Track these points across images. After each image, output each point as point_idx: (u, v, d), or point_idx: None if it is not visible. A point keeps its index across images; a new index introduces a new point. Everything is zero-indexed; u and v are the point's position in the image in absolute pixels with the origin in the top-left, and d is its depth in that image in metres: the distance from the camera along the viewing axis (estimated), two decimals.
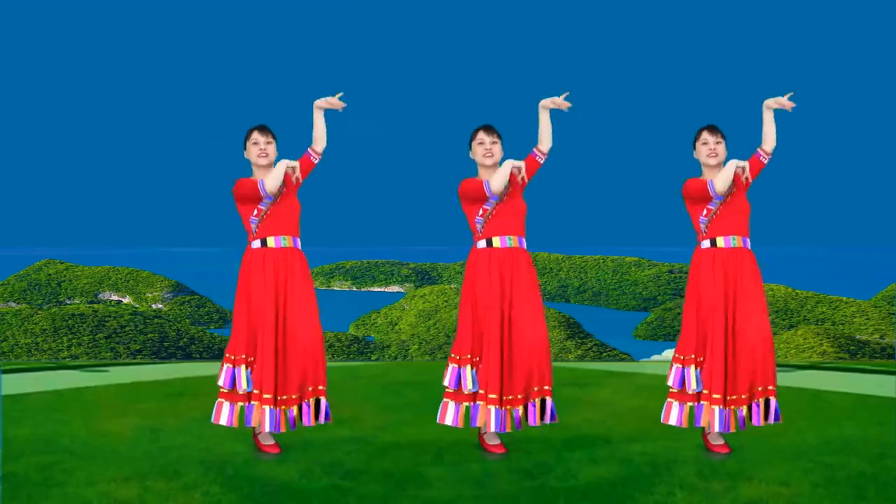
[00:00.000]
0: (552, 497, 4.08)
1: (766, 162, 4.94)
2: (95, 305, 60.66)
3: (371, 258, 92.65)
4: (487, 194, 4.87)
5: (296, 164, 4.88)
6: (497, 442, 4.98)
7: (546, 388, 4.97)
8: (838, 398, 7.01)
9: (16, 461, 4.60)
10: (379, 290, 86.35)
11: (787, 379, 8.35)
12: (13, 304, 64.90)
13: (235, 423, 4.87)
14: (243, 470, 4.49)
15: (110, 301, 69.27)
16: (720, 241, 4.89)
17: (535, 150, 5.00)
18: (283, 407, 4.86)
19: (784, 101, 4.91)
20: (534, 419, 4.94)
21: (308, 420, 4.92)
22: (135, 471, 4.43)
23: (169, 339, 53.37)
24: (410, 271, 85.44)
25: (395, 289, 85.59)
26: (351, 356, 51.66)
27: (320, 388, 4.97)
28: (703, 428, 4.96)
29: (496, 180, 4.83)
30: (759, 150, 4.94)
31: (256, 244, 4.87)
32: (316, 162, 4.99)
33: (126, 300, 69.51)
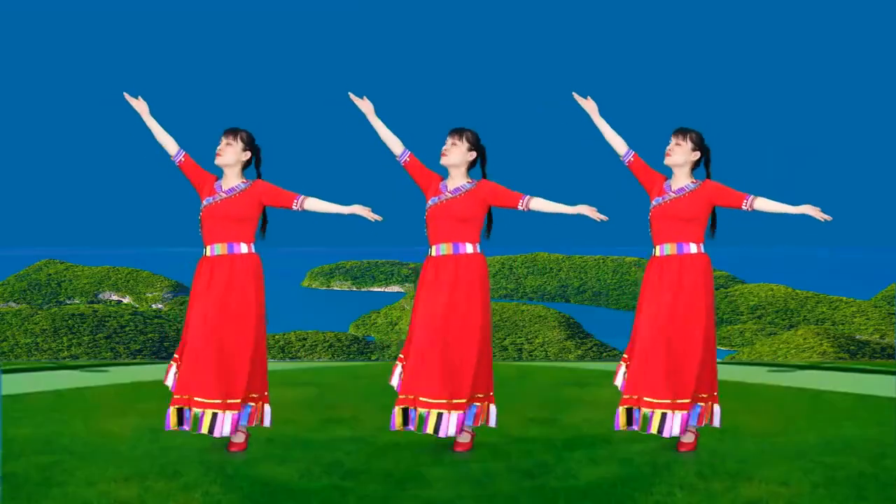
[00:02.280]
0: (552, 497, 4.08)
1: (742, 206, 4.89)
2: (95, 305, 60.70)
3: (371, 258, 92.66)
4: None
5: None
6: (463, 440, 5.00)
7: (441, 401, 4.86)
8: (838, 398, 7.02)
9: (16, 461, 4.59)
10: (379, 290, 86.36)
11: (787, 379, 8.36)
12: (13, 304, 64.91)
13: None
14: (243, 470, 4.49)
15: (110, 301, 69.26)
16: (656, 251, 4.96)
17: (523, 200, 4.97)
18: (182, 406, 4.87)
19: (821, 214, 4.78)
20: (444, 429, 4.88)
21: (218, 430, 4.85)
22: (135, 471, 4.43)
23: (169, 339, 53.39)
24: (410, 271, 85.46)
25: (395, 289, 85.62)
26: (351, 356, 51.69)
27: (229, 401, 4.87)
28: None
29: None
30: (749, 197, 4.86)
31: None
32: (293, 208, 4.97)
33: (126, 300, 69.51)
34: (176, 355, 5.02)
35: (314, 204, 4.95)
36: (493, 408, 5.04)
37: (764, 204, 4.87)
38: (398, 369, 5.05)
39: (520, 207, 4.96)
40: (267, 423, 4.99)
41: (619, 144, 5.04)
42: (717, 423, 4.97)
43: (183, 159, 5.01)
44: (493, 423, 5.03)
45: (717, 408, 4.97)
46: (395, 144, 5.05)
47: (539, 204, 4.95)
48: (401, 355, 5.06)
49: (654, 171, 5.01)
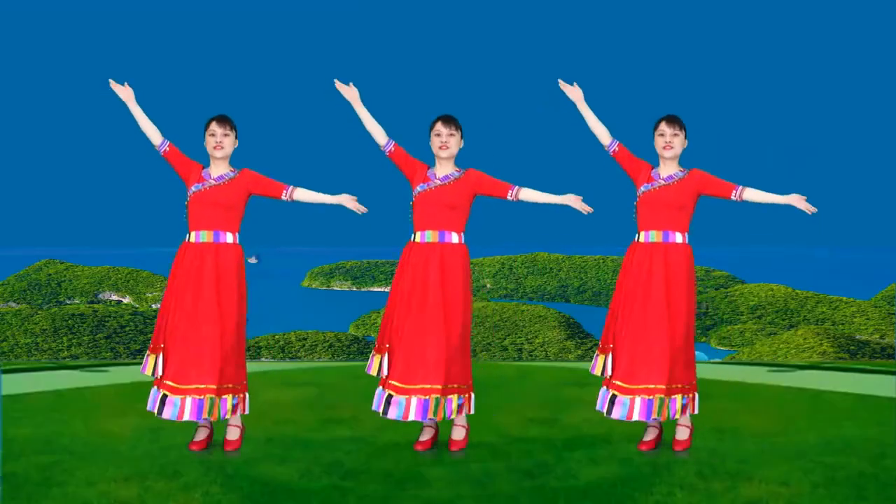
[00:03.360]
0: (552, 497, 4.08)
1: (731, 196, 4.92)
2: (95, 305, 60.67)
3: (371, 258, 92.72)
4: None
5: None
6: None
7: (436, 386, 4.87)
8: (838, 398, 7.01)
9: (16, 461, 4.59)
10: (379, 290, 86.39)
11: (787, 379, 8.35)
12: (13, 304, 64.91)
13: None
14: (243, 470, 4.49)
15: (110, 301, 69.27)
16: (640, 237, 4.97)
17: (513, 190, 4.99)
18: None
19: (807, 205, 4.82)
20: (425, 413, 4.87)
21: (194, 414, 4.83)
22: (135, 471, 4.43)
23: None
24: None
25: None
26: (351, 356, 51.64)
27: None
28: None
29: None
30: (738, 188, 4.89)
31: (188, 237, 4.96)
32: (283, 199, 4.99)
33: (126, 300, 69.52)
34: (156, 344, 4.95)
35: (303, 194, 5.00)
36: (471, 396, 5.05)
37: (753, 194, 4.91)
38: (376, 359, 5.02)
39: (509, 197, 4.98)
40: (245, 410, 4.99)
41: (603, 134, 5.03)
42: (696, 409, 4.99)
43: (168, 149, 5.00)
44: (472, 409, 5.03)
45: (695, 396, 4.99)
46: (380, 134, 5.06)
47: (528, 194, 4.98)
48: (386, 344, 5.00)
49: (639, 158, 5.03)
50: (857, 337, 54.08)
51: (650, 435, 4.98)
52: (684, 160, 4.99)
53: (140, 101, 5.05)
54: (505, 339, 55.02)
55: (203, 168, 5.00)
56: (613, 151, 5.03)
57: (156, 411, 4.85)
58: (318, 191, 5.01)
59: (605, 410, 4.91)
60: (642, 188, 4.97)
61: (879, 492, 4.12)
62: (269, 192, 4.99)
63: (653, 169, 4.99)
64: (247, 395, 5.03)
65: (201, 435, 4.97)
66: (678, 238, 4.92)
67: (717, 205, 4.99)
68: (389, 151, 5.05)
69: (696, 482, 4.27)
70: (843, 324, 60.69)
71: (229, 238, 4.95)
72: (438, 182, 4.97)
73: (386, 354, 4.96)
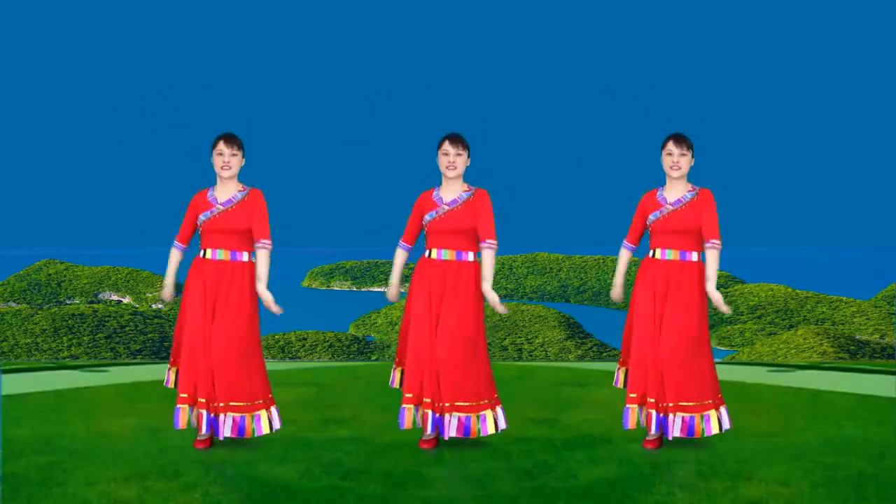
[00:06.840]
0: (552, 497, 4.08)
1: (703, 244, 4.93)
2: (95, 305, 60.67)
3: (371, 258, 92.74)
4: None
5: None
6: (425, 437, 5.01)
7: (458, 403, 4.94)
8: (838, 398, 7.01)
9: (16, 461, 4.59)
10: (379, 290, 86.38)
11: (787, 379, 8.35)
12: (13, 304, 64.91)
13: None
14: (243, 470, 4.50)
15: (110, 301, 69.26)
16: (656, 253, 4.98)
17: (486, 243, 4.97)
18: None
19: (723, 305, 4.80)
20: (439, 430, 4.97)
21: (220, 433, 4.91)
22: (135, 471, 4.43)
23: (169, 339, 53.30)
24: (410, 271, 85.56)
25: None
26: (351, 356, 51.65)
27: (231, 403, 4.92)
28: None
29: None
30: (711, 243, 4.88)
31: (200, 253, 4.98)
32: (254, 245, 4.95)
33: (126, 300, 69.52)
34: (175, 358, 5.08)
35: (260, 258, 4.93)
36: (499, 409, 5.07)
37: (708, 260, 4.90)
38: (397, 373, 5.18)
39: (480, 245, 4.97)
40: (263, 431, 4.98)
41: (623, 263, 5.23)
42: (727, 425, 4.98)
43: (184, 245, 5.09)
44: (502, 425, 5.06)
45: (723, 409, 5.00)
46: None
47: (484, 260, 4.97)
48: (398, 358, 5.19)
49: (639, 210, 5.07)
50: (857, 337, 54.07)
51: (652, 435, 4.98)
52: (692, 177, 5.00)
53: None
54: (505, 339, 55.03)
55: (208, 192, 4.98)
56: (631, 249, 5.18)
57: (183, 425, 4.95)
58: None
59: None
60: (651, 217, 4.99)
61: (879, 492, 4.12)
62: (256, 229, 4.91)
63: (657, 192, 5.00)
64: (261, 414, 4.99)
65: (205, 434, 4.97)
66: (693, 257, 4.95)
67: (718, 205, 4.98)
68: (408, 249, 5.23)
69: (696, 482, 4.28)
70: (843, 324, 60.67)
71: (245, 257, 4.95)
72: (447, 208, 4.98)
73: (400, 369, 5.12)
